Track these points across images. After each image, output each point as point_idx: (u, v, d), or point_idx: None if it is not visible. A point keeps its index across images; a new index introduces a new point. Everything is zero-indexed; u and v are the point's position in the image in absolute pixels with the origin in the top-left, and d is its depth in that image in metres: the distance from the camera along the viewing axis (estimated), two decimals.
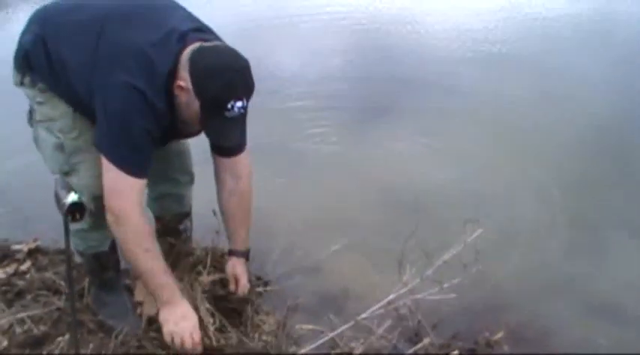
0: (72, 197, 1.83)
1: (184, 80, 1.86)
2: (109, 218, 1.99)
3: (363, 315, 2.26)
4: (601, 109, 4.54)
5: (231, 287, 2.42)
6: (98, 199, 2.09)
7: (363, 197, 3.49)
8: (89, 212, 2.12)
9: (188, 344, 2.08)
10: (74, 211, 1.85)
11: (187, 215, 2.70)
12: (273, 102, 4.61)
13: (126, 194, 1.95)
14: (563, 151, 3.97)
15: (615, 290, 2.75)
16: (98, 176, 2.04)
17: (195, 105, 1.87)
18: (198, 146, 2.57)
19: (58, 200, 1.88)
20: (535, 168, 3.76)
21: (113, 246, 2.37)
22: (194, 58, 1.85)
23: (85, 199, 2.02)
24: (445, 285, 2.30)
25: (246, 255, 2.44)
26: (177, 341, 2.08)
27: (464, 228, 2.38)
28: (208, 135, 1.98)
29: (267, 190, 2.62)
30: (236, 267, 2.41)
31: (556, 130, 4.24)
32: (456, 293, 2.32)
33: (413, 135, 4.23)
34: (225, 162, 2.29)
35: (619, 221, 3.25)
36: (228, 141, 2.02)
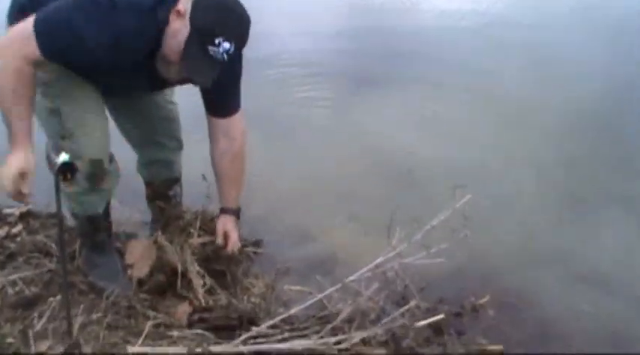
0: (63, 157, 1.84)
1: (183, 6, 1.84)
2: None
3: (351, 278, 2.27)
4: (598, 86, 4.55)
5: (219, 241, 2.44)
6: (95, 163, 2.14)
7: (354, 164, 3.51)
8: (86, 175, 2.15)
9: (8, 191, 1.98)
10: (65, 171, 1.86)
11: (177, 180, 2.72)
12: (266, 68, 4.63)
13: (23, 46, 1.83)
14: (558, 126, 3.98)
15: (602, 262, 2.77)
16: (94, 139, 2.09)
17: (183, 33, 1.83)
18: (187, 111, 2.59)
19: (50, 161, 1.90)
20: (528, 141, 3.78)
21: (107, 209, 2.41)
22: None
23: (81, 162, 2.06)
24: (433, 250, 2.31)
25: (236, 213, 2.47)
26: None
27: (453, 195, 2.39)
28: (184, 67, 1.88)
29: (259, 157, 2.63)
30: (226, 224, 2.44)
31: (551, 105, 4.26)
32: (444, 258, 2.33)
33: (406, 106, 4.25)
34: (220, 122, 2.30)
35: (609, 195, 3.27)
36: (201, 79, 1.91)
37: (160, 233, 2.55)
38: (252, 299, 2.43)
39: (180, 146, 2.63)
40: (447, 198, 2.39)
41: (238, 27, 1.88)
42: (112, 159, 2.26)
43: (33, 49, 1.81)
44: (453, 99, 4.33)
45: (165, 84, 2.19)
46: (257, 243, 2.82)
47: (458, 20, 6.06)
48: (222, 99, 2.28)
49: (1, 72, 1.85)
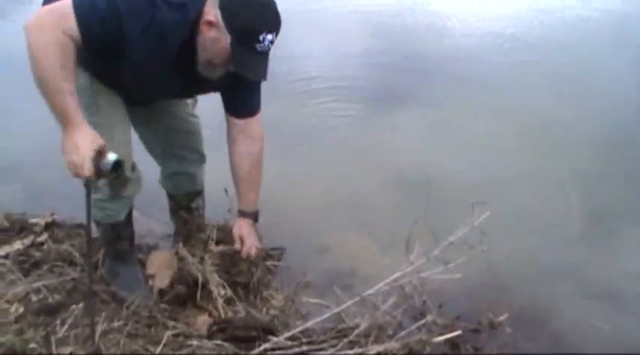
0: (113, 156, 1.88)
1: (214, 15, 1.87)
2: (31, 26, 1.79)
3: (369, 291, 2.30)
4: (618, 102, 4.53)
5: (236, 246, 2.41)
6: None
7: (374, 178, 3.53)
8: (108, 183, 2.20)
9: (74, 175, 1.89)
10: (116, 169, 1.90)
11: (199, 193, 2.75)
12: (288, 81, 4.69)
13: (62, 21, 1.79)
14: (577, 142, 3.97)
15: (619, 279, 2.76)
16: (116, 148, 2.09)
17: (224, 40, 1.88)
18: (212, 125, 2.64)
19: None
20: (547, 158, 3.77)
21: (129, 216, 2.45)
22: None
23: None
24: (450, 265, 2.33)
25: (254, 216, 2.46)
26: (72, 172, 1.89)
27: (472, 210, 2.40)
28: (238, 68, 1.94)
29: (279, 168, 2.66)
30: (242, 228, 2.42)
31: (571, 122, 4.23)
32: (462, 274, 2.35)
33: (427, 121, 4.26)
34: (240, 123, 2.31)
35: (627, 212, 3.26)
36: (257, 76, 1.98)
37: (181, 245, 2.59)
38: (272, 311, 2.45)
39: (202, 159, 2.67)
40: (466, 214, 2.41)
41: (274, 15, 1.91)
42: (134, 167, 2.30)
43: (71, 23, 1.78)
44: (473, 115, 4.33)
45: (196, 87, 2.23)
46: (279, 252, 2.83)
47: (479, 39, 6.08)
48: (243, 99, 2.30)
49: (45, 48, 1.77)
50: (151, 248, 2.84)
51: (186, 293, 2.43)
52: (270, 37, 1.87)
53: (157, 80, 2.07)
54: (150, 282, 2.47)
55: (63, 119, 1.84)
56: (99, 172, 1.87)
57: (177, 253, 2.57)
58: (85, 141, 1.84)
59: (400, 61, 5.51)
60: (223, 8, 1.86)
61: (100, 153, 1.85)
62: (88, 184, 1.91)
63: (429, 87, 4.86)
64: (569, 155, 3.81)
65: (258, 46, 1.87)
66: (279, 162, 2.65)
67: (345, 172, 3.59)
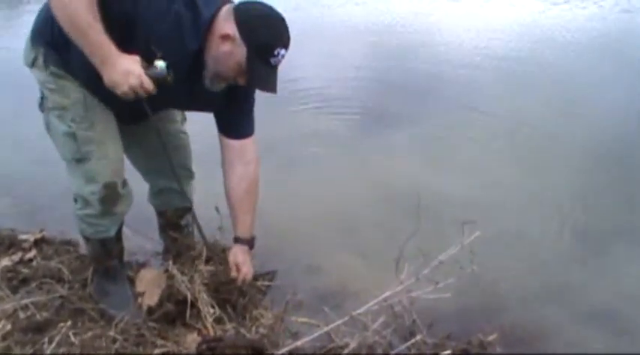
0: (161, 63, 1.92)
1: (230, 29, 1.93)
2: None
3: (359, 311, 2.29)
4: (616, 122, 4.58)
5: (232, 275, 2.44)
6: (109, 186, 2.20)
7: (364, 198, 3.54)
8: (99, 198, 2.20)
9: (143, 94, 1.92)
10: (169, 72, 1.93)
11: (189, 210, 2.74)
12: (282, 101, 4.67)
13: None
14: (568, 162, 3.99)
15: (611, 299, 2.75)
16: (109, 164, 2.16)
17: (239, 54, 1.94)
18: (197, 143, 2.65)
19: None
20: (539, 177, 3.79)
21: (119, 233, 2.45)
22: (241, 9, 1.96)
23: (96, 186, 2.16)
24: (440, 285, 2.33)
25: (250, 242, 2.48)
26: (134, 94, 1.91)
27: (462, 230, 2.40)
28: (251, 81, 2.02)
29: (270, 188, 2.65)
30: (238, 255, 2.44)
31: (562, 141, 4.27)
32: (452, 293, 2.34)
33: (418, 140, 4.29)
34: (235, 145, 2.33)
35: (622, 232, 3.25)
36: (269, 89, 2.03)
37: (171, 263, 2.58)
38: (261, 330, 2.43)
39: (191, 175, 2.68)
40: (456, 233, 2.41)
41: (286, 32, 1.99)
42: (125, 183, 2.30)
43: None
44: (464, 134, 4.37)
45: (199, 100, 2.22)
46: (270, 275, 2.82)
47: (472, 56, 6.13)
48: (239, 119, 2.33)
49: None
50: (141, 265, 2.82)
51: (175, 311, 2.41)
52: (282, 51, 1.97)
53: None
54: (139, 300, 2.46)
55: (101, 53, 1.84)
56: (158, 82, 1.92)
57: (166, 271, 2.56)
58: (132, 63, 1.87)
59: (392, 79, 5.56)
60: (243, 23, 1.92)
61: (146, 67, 1.91)
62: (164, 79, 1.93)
63: (421, 106, 4.91)
64: (561, 174, 3.83)
65: (272, 60, 1.96)
66: (269, 181, 2.64)
67: (336, 191, 3.60)
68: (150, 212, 2.81)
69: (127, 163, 2.47)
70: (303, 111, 4.76)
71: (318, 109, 4.79)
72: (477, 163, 3.96)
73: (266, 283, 2.75)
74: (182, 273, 2.50)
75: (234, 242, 2.48)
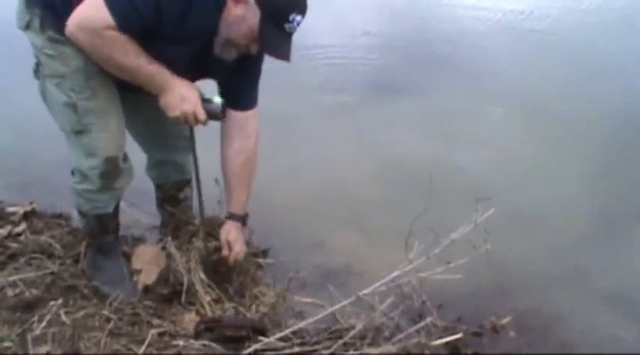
0: (218, 99, 2.06)
1: None
2: (82, 35, 1.83)
3: (365, 291, 2.18)
4: (632, 97, 4.45)
5: (224, 253, 2.35)
6: (110, 160, 2.10)
7: (371, 171, 3.44)
8: (99, 173, 2.11)
9: (193, 123, 2.05)
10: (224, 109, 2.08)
11: (187, 183, 2.64)
12: (288, 72, 4.53)
13: (102, 23, 1.79)
14: (587, 141, 3.87)
15: (628, 282, 2.66)
16: (111, 137, 2.07)
17: (252, 18, 1.87)
18: None
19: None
20: (556, 153, 3.69)
21: (117, 209, 2.35)
22: None
23: (96, 160, 2.07)
24: (452, 265, 2.21)
25: (243, 219, 2.38)
26: (187, 121, 2.03)
27: (475, 207, 2.28)
28: (265, 47, 1.94)
29: (271, 162, 2.55)
30: (230, 232, 2.34)
31: (581, 115, 4.15)
32: (464, 274, 2.23)
33: (427, 111, 4.18)
34: (236, 117, 2.23)
35: (637, 213, 3.16)
36: (283, 56, 1.93)
37: (169, 239, 2.47)
38: (262, 309, 2.34)
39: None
40: (469, 211, 2.28)
41: None
42: (126, 157, 2.20)
43: (106, 15, 1.77)
44: (476, 106, 4.24)
45: (204, 67, 2.11)
46: (265, 252, 2.72)
47: (485, 24, 5.96)
48: (243, 90, 2.24)
49: (101, 40, 1.81)
50: (137, 239, 2.73)
51: (172, 291, 2.32)
52: (298, 18, 1.88)
53: (169, 45, 1.93)
54: (135, 278, 2.34)
55: (156, 85, 1.94)
56: (211, 115, 2.03)
57: (164, 248, 2.44)
58: (189, 90, 1.96)
59: (401, 47, 5.40)
60: None
61: (203, 99, 2.00)
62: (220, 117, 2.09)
63: (431, 76, 4.76)
64: (578, 151, 3.72)
65: (287, 26, 1.87)
66: (270, 154, 2.53)
67: (341, 166, 3.48)
68: (146, 185, 2.69)
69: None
70: (307, 83, 4.60)
71: (324, 83, 4.62)
72: (492, 137, 3.84)
73: (268, 261, 2.64)
74: (179, 249, 2.40)
75: (226, 218, 2.38)
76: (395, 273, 2.23)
